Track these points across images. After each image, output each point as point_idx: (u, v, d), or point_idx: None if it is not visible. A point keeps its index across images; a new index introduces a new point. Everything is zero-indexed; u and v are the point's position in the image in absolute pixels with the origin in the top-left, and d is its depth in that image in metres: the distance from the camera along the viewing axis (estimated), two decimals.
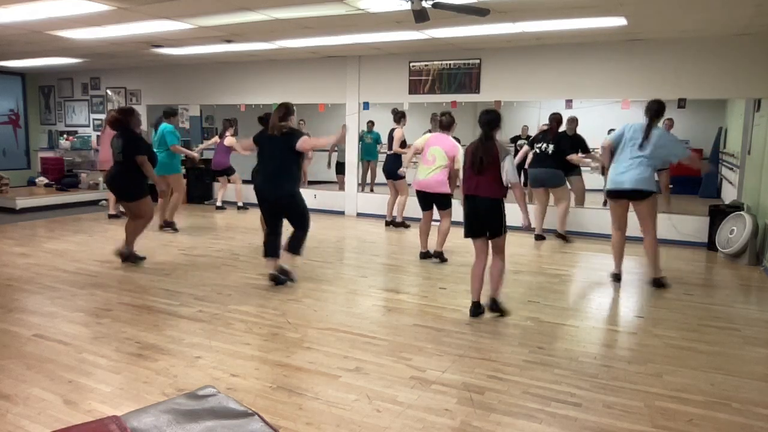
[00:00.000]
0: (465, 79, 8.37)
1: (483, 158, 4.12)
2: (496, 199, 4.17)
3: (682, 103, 7.40)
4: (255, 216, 8.07)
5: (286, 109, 4.96)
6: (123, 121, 5.68)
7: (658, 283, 5.23)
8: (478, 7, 5.05)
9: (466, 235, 4.32)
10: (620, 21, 6.12)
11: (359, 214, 9.58)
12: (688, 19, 6.07)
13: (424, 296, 4.94)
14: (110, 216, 8.59)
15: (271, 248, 5.14)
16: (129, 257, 5.82)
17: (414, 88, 8.76)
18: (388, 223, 8.38)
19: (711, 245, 6.92)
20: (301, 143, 4.86)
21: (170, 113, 7.94)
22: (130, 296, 4.77)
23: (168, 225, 7.70)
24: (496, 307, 4.32)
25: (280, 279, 5.07)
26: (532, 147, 7.47)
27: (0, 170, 10.57)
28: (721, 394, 3.11)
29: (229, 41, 7.78)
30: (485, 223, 4.21)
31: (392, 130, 8.08)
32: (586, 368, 3.43)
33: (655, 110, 5.01)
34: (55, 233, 7.52)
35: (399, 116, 8.03)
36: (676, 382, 3.25)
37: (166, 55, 9.20)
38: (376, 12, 5.84)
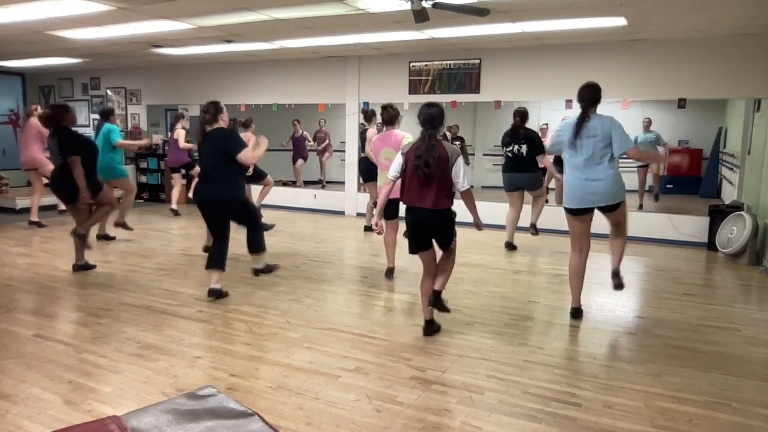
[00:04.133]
0: (465, 79, 8.37)
1: (428, 162, 3.52)
2: (445, 210, 3.67)
3: (682, 103, 7.40)
4: None
5: (215, 109, 4.52)
6: (56, 119, 5.26)
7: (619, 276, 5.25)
8: (478, 7, 5.05)
9: (412, 251, 3.80)
10: (620, 21, 6.12)
11: (359, 214, 9.57)
12: (688, 19, 6.07)
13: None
14: (31, 223, 7.76)
15: (214, 259, 4.61)
16: (80, 236, 5.40)
17: (414, 88, 8.76)
18: (367, 228, 7.94)
19: (711, 245, 6.92)
20: (242, 156, 4.40)
21: (109, 112, 7.20)
22: (130, 296, 4.77)
23: (121, 225, 7.02)
24: (438, 303, 3.78)
25: (221, 293, 4.68)
26: (507, 149, 6.61)
27: (0, 170, 10.57)
28: (721, 394, 3.11)
29: (229, 41, 7.78)
30: (434, 235, 3.75)
31: (364, 131, 7.58)
32: (586, 368, 3.43)
33: (590, 98, 4.04)
34: (55, 233, 7.52)
35: (369, 115, 7.44)
36: (676, 382, 3.25)
37: (166, 55, 9.20)
38: (376, 12, 5.84)
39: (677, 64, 7.09)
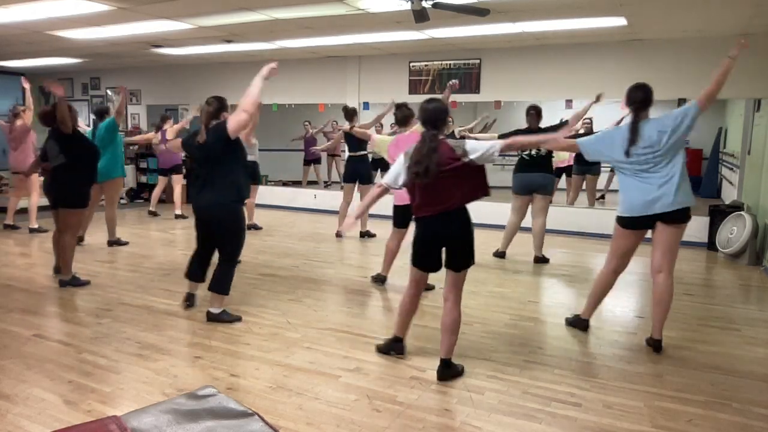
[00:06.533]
0: (465, 79, 8.37)
1: (429, 169, 3.03)
2: (461, 213, 3.17)
3: (682, 103, 7.38)
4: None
5: (219, 104, 4.02)
6: (55, 117, 4.89)
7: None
8: (478, 7, 5.05)
9: (415, 264, 3.36)
10: (620, 21, 6.12)
11: None
12: (688, 19, 6.07)
13: (424, 296, 4.93)
14: (32, 230, 7.46)
15: (192, 270, 4.33)
16: (71, 282, 5.02)
17: (414, 88, 8.76)
18: (362, 234, 7.53)
19: (711, 245, 6.92)
20: (231, 124, 3.83)
21: (104, 111, 6.73)
22: (130, 296, 4.77)
23: (115, 243, 6.77)
24: (447, 373, 3.25)
25: (194, 301, 4.40)
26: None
27: (0, 170, 10.56)
28: (721, 394, 3.11)
29: (229, 41, 7.78)
30: (446, 247, 3.21)
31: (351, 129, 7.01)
32: (586, 368, 3.43)
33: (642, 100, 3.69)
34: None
35: (351, 114, 7.10)
36: (676, 382, 3.25)
37: (166, 55, 9.20)
38: (376, 12, 5.84)
39: (677, 64, 7.09)
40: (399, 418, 2.79)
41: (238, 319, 4.19)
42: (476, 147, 3.08)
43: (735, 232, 6.41)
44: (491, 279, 5.52)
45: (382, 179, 3.34)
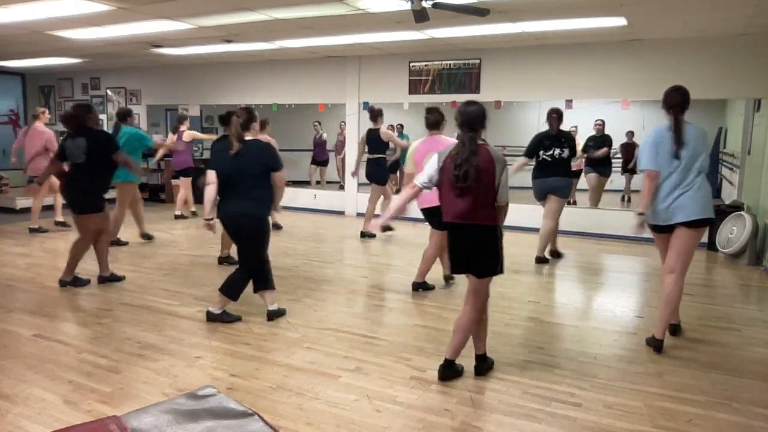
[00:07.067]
0: (465, 79, 8.37)
1: (468, 173, 3.00)
2: (485, 228, 3.10)
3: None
4: None
5: (249, 116, 4.08)
6: (79, 119, 4.92)
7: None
8: (478, 7, 5.05)
9: (453, 271, 3.32)
10: (620, 21, 6.11)
11: (359, 214, 9.57)
12: (688, 19, 6.07)
13: (424, 296, 4.94)
14: (57, 223, 7.65)
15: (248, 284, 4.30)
16: (72, 283, 5.05)
17: (414, 88, 8.76)
18: (363, 234, 7.59)
19: (711, 245, 6.91)
20: (280, 176, 4.15)
21: (126, 113, 6.81)
22: (130, 296, 4.77)
23: (114, 242, 6.59)
24: (483, 368, 3.31)
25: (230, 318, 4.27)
26: (533, 156, 6.09)
27: (0, 170, 10.57)
28: (721, 394, 3.11)
29: (229, 41, 7.78)
30: (471, 256, 3.17)
31: (370, 131, 7.41)
32: (586, 368, 3.43)
33: (680, 103, 3.67)
34: (54, 233, 7.52)
35: (376, 114, 7.15)
36: (676, 382, 3.25)
37: (166, 55, 9.20)
38: (376, 12, 5.84)
39: (677, 64, 7.08)
40: (399, 418, 2.79)
41: (238, 318, 4.20)
42: (505, 183, 3.08)
43: (735, 232, 6.41)
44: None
45: (415, 180, 3.32)
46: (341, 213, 9.69)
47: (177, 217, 8.73)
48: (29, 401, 2.91)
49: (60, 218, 7.79)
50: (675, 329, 3.99)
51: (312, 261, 6.15)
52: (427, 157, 4.49)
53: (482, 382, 3.20)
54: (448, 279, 5.26)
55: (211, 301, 4.62)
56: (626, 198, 10.60)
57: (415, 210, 4.15)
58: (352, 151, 9.63)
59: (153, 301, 4.66)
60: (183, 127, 8.54)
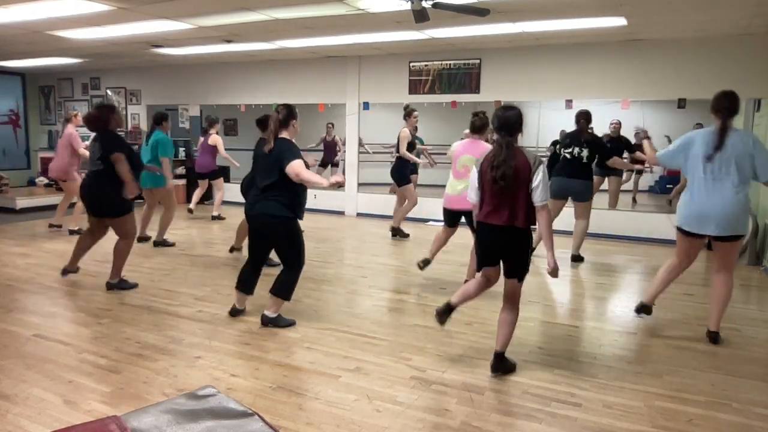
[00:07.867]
0: (465, 79, 8.37)
1: (506, 174, 3.09)
2: (519, 230, 3.19)
3: (682, 103, 7.41)
4: None
5: (288, 113, 3.93)
6: (103, 120, 4.69)
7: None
8: (478, 7, 5.05)
9: (479, 268, 3.42)
10: (620, 21, 6.12)
11: (359, 214, 9.58)
12: (688, 19, 6.07)
13: (424, 296, 4.94)
14: (71, 232, 7.31)
15: (241, 280, 4.23)
16: (117, 285, 4.97)
17: (414, 88, 8.76)
18: (396, 232, 7.56)
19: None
20: (291, 167, 3.76)
21: (162, 118, 6.86)
22: (130, 296, 4.77)
23: (161, 244, 6.83)
24: (501, 367, 3.33)
25: (239, 314, 4.31)
26: (556, 152, 6.20)
27: (0, 170, 10.57)
28: (721, 394, 3.11)
29: (229, 41, 7.78)
30: (503, 256, 3.29)
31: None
32: (586, 368, 3.43)
33: (731, 107, 3.70)
34: (54, 233, 7.52)
35: (406, 113, 7.18)
36: (676, 382, 3.25)
37: (166, 55, 9.20)
38: (376, 12, 5.84)
39: (677, 64, 7.09)
40: (399, 418, 2.79)
41: (293, 323, 4.11)
42: (540, 182, 3.12)
43: None
44: None
45: (468, 197, 3.46)
46: (341, 213, 9.69)
47: (214, 218, 8.73)
48: (29, 401, 2.91)
49: (56, 221, 7.60)
50: (715, 336, 3.87)
51: (312, 261, 6.14)
52: (461, 157, 4.91)
53: (482, 382, 3.20)
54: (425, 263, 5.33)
55: (211, 301, 4.64)
56: (634, 198, 10.60)
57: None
58: (351, 150, 9.65)
59: (153, 301, 4.66)
60: (213, 130, 8.47)
